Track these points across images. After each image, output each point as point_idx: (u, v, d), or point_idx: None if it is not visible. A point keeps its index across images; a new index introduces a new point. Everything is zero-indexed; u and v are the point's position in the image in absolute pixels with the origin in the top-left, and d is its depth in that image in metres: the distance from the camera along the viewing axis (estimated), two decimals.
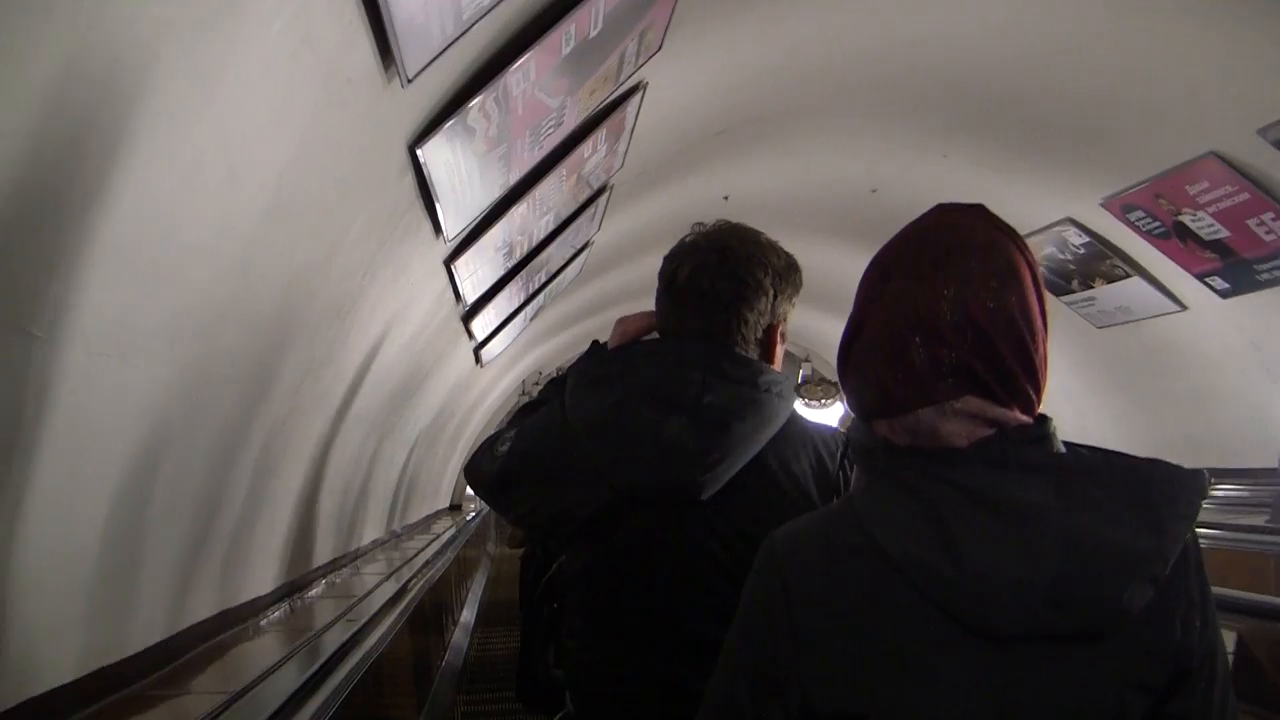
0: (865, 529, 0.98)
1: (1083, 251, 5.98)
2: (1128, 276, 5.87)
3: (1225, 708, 0.96)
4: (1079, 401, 7.22)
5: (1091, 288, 6.24)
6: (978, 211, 1.03)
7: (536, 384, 11.06)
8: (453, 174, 2.77)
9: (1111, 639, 0.92)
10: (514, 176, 3.21)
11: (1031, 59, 4.35)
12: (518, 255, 4.31)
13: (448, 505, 10.72)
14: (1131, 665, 0.93)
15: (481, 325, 5.00)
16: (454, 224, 3.17)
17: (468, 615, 7.59)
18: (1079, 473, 0.94)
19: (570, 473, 1.42)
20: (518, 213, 3.68)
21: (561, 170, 3.63)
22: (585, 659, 1.48)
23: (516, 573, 3.23)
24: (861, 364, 1.02)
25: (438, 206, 2.91)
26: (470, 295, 4.29)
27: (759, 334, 1.47)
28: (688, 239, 1.51)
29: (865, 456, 1.03)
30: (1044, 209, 5.83)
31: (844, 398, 1.13)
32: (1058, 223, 5.84)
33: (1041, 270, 1.09)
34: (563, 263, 5.41)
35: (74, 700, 1.80)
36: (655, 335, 1.54)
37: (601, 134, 3.65)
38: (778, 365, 1.50)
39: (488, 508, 10.92)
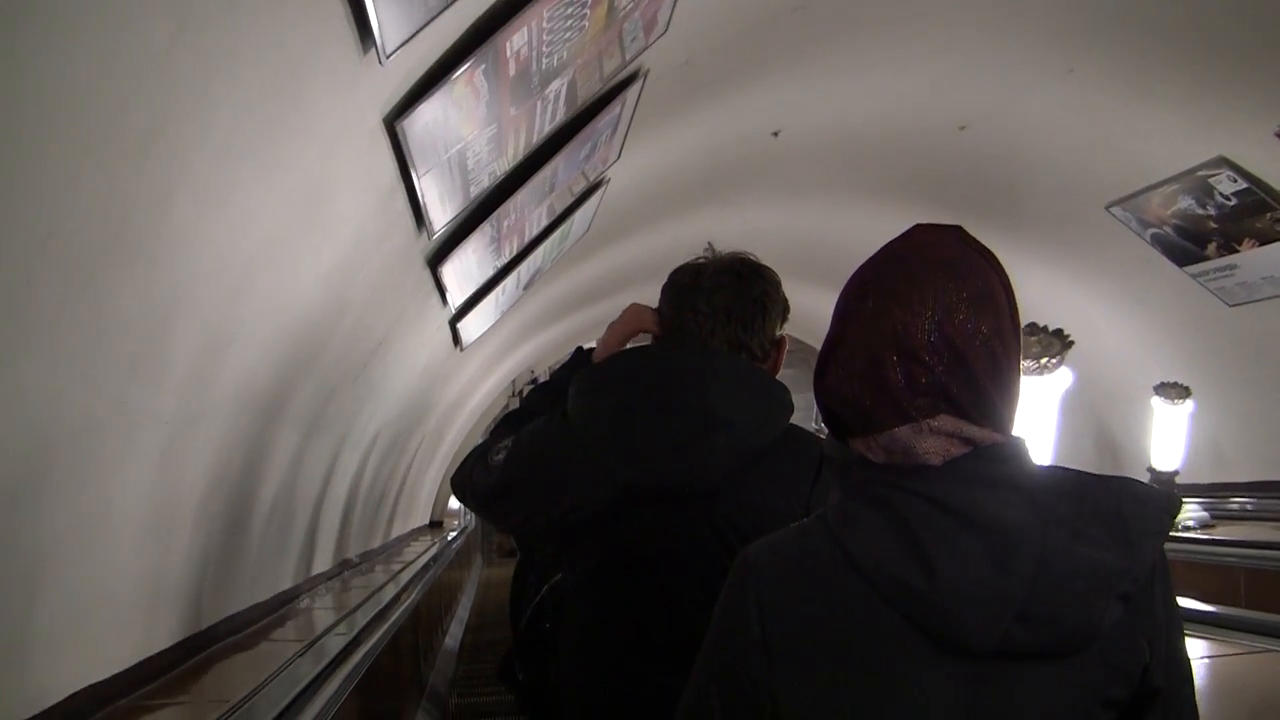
0: (839, 543, 0.94)
1: (1234, 203, 4.51)
2: None
3: None
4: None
5: (1235, 251, 4.76)
6: (954, 232, 1.00)
7: (531, 383, 9.33)
8: None
9: (1080, 655, 0.89)
10: None
11: None
12: (511, 154, 2.74)
13: (427, 522, 9.07)
14: (1099, 682, 0.90)
15: (456, 276, 3.40)
16: (396, 11, 1.60)
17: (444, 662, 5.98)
18: (1051, 490, 0.92)
19: (573, 474, 1.40)
20: (513, 46, 2.11)
21: None
22: (582, 675, 1.46)
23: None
24: (838, 382, 0.97)
25: None
26: (438, 217, 2.71)
27: (774, 337, 1.51)
28: (699, 257, 1.53)
29: (840, 471, 0.99)
30: (1191, 146, 4.37)
31: (819, 414, 1.00)
32: (1205, 165, 4.38)
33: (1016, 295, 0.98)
34: (571, 199, 3.85)
35: None
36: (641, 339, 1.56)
37: None
38: (777, 374, 1.53)
39: (473, 525, 9.36)
